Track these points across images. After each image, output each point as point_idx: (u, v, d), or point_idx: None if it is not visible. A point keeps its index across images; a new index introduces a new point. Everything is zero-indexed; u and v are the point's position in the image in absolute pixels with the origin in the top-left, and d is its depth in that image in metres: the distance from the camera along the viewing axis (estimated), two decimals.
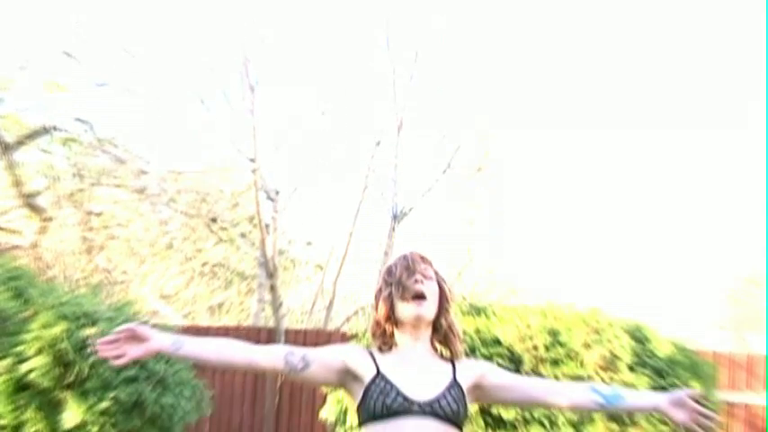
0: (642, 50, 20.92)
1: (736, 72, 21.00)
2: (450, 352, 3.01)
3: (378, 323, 3.02)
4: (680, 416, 2.91)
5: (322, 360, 2.89)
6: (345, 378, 2.90)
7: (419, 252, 3.09)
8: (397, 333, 2.99)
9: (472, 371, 2.98)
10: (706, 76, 22.09)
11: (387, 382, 2.78)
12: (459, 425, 2.83)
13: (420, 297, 2.93)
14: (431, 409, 2.73)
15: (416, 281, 2.94)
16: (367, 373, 2.84)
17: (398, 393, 2.74)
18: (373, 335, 3.04)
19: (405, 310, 2.92)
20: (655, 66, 22.13)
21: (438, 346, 3.04)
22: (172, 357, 2.75)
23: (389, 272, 3.03)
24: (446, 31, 13.48)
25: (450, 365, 2.95)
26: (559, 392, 3.04)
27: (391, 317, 2.98)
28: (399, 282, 2.95)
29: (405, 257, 3.05)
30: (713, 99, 21.36)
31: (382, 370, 2.84)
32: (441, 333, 3.02)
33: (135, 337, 2.73)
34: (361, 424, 2.85)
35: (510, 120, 15.36)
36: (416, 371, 2.86)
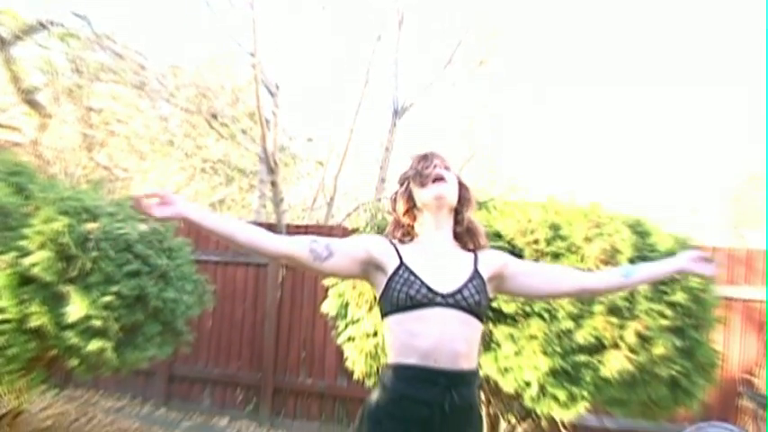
0: None
1: None
2: (473, 244, 3.01)
3: (397, 222, 3.02)
4: (705, 269, 2.98)
5: (346, 250, 2.88)
6: (368, 269, 2.90)
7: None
8: (419, 225, 2.98)
9: (494, 261, 2.99)
10: None
11: (410, 273, 2.79)
12: (479, 315, 2.85)
13: (440, 179, 2.93)
14: (454, 301, 2.74)
15: (435, 166, 2.94)
16: (390, 264, 2.84)
17: (422, 284, 2.75)
18: (393, 234, 3.03)
19: (426, 193, 2.93)
20: None
21: (461, 237, 3.04)
22: (195, 226, 2.71)
23: (406, 170, 3.04)
24: None
25: (472, 256, 2.96)
26: (577, 277, 3.05)
27: (411, 210, 2.98)
28: (417, 171, 2.95)
29: (420, 154, 3.05)
30: None
31: (405, 261, 2.84)
32: (463, 225, 3.02)
33: (164, 203, 2.70)
34: (384, 315, 2.85)
35: (514, 17, 15.16)
36: (439, 262, 2.86)
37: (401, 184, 3.09)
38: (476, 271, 2.90)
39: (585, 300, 5.35)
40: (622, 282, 3.02)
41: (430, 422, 2.70)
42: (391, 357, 2.80)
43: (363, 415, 2.83)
